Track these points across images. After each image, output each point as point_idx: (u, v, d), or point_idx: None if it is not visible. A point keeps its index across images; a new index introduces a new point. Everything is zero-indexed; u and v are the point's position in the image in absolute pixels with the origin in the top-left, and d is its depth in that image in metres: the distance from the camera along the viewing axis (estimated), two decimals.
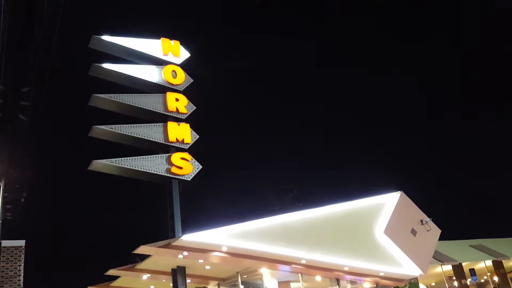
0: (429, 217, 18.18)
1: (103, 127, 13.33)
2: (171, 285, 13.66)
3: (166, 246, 12.03)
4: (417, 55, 56.28)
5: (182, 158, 13.97)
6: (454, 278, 21.63)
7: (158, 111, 14.47)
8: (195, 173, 14.11)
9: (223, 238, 12.53)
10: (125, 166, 13.10)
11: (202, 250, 12.54)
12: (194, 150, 14.52)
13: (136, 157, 13.31)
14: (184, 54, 15.86)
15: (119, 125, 13.62)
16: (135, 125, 13.87)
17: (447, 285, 21.55)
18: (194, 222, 13.66)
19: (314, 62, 57.05)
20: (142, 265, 13.92)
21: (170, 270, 13.90)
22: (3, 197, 15.30)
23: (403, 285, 17.45)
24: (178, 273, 13.32)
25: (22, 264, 12.86)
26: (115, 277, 15.86)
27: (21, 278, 12.71)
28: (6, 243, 12.94)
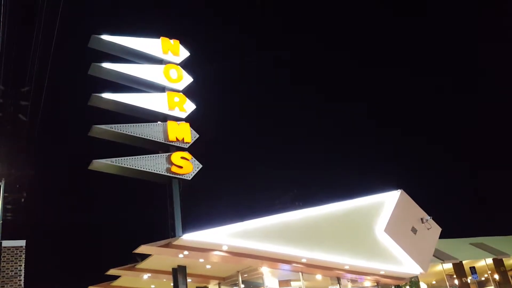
0: (429, 215, 18.20)
1: (103, 126, 13.31)
2: (172, 284, 13.67)
3: (167, 245, 12.04)
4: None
5: (182, 157, 13.97)
6: (454, 276, 21.64)
7: (158, 110, 14.46)
8: (195, 172, 14.10)
9: (224, 237, 12.54)
10: (125, 166, 13.08)
11: (203, 250, 12.55)
12: (194, 150, 14.52)
13: (136, 157, 13.29)
14: (183, 53, 15.83)
15: (119, 125, 13.60)
16: (135, 124, 13.85)
17: (447, 283, 21.55)
18: (194, 221, 13.65)
19: (315, 61, 57.02)
20: (143, 264, 13.93)
21: (170, 270, 13.91)
22: (4, 197, 15.30)
23: (403, 283, 17.46)
24: (178, 273, 13.32)
25: (23, 264, 12.85)
26: (115, 277, 15.87)
27: (22, 278, 12.71)
28: (6, 243, 12.94)
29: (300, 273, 14.94)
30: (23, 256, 12.97)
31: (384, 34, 56.61)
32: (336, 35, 57.17)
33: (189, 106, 15.07)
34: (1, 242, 12.96)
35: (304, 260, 14.26)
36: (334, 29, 57.57)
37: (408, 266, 16.28)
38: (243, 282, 15.31)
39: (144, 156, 13.44)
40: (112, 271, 14.72)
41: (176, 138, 14.23)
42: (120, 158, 13.10)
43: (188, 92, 15.39)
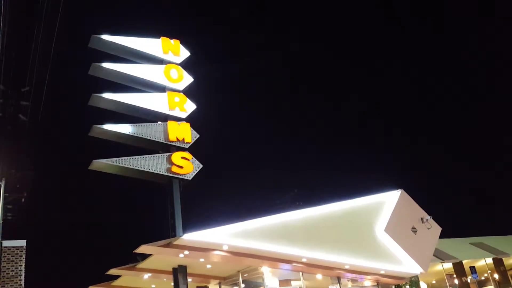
0: (429, 215, 18.21)
1: (103, 126, 13.31)
2: (172, 284, 13.67)
3: (167, 245, 12.04)
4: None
5: (183, 157, 13.97)
6: (454, 275, 21.65)
7: (159, 110, 14.46)
8: (196, 172, 14.11)
9: (224, 237, 12.54)
10: (126, 166, 13.09)
11: (203, 249, 12.55)
12: (194, 150, 14.53)
13: (136, 157, 13.30)
14: (184, 53, 15.83)
15: (119, 125, 13.60)
16: (135, 124, 13.86)
17: (447, 282, 21.56)
18: (195, 221, 13.66)
19: (315, 62, 56.96)
20: (143, 264, 13.93)
21: (171, 269, 13.91)
22: (4, 197, 15.30)
23: (404, 283, 17.47)
24: (179, 272, 13.33)
25: (23, 264, 12.85)
26: (116, 277, 15.88)
27: (22, 278, 12.71)
28: (7, 243, 12.94)
29: (300, 273, 14.95)
30: (24, 256, 12.97)
31: (385, 34, 56.63)
32: (335, 35, 57.18)
33: (190, 106, 15.07)
34: (1, 242, 12.97)
35: (304, 260, 14.27)
36: (334, 29, 57.58)
37: (408, 266, 16.29)
38: (243, 281, 15.31)
39: (144, 156, 13.45)
40: (112, 271, 14.72)
41: (177, 138, 14.24)
42: (120, 158, 13.11)
43: (189, 92, 15.40)
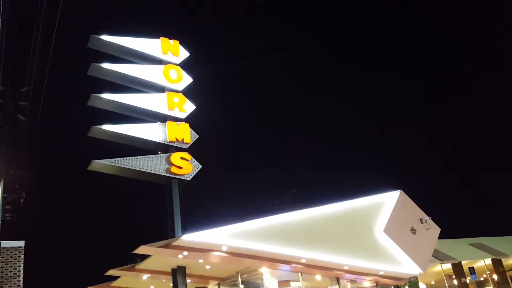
0: (428, 215, 18.20)
1: (102, 127, 13.29)
2: (171, 285, 13.66)
3: (166, 246, 12.03)
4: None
5: (182, 158, 13.96)
6: (453, 276, 21.64)
7: (158, 111, 14.45)
8: (195, 172, 14.10)
9: (223, 237, 12.53)
10: (125, 166, 13.07)
11: (202, 250, 12.54)
12: (193, 150, 14.52)
13: (135, 157, 13.28)
14: (183, 54, 15.82)
15: (118, 125, 13.59)
16: (134, 124, 13.85)
17: (446, 283, 21.56)
18: (194, 221, 13.65)
19: (315, 62, 57.00)
20: (142, 265, 13.92)
21: (170, 270, 13.89)
22: (3, 198, 15.28)
23: (403, 283, 17.46)
24: (178, 273, 13.31)
25: (22, 265, 12.84)
26: (115, 277, 15.86)
27: (21, 278, 12.70)
28: (5, 243, 12.93)
29: (299, 274, 14.93)
30: (22, 256, 12.95)
31: (388, 34, 56.69)
32: (336, 34, 57.23)
33: (189, 107, 15.06)
34: (0, 243, 12.94)
35: (303, 261, 14.26)
36: (335, 29, 57.63)
37: (407, 267, 16.29)
38: (242, 282, 15.30)
39: (143, 156, 13.44)
40: (111, 272, 14.71)
41: (176, 139, 14.23)
42: (119, 159, 13.09)
43: (188, 92, 15.39)
